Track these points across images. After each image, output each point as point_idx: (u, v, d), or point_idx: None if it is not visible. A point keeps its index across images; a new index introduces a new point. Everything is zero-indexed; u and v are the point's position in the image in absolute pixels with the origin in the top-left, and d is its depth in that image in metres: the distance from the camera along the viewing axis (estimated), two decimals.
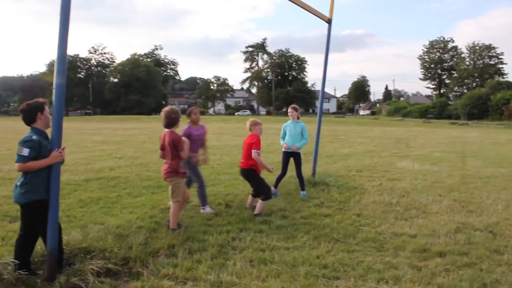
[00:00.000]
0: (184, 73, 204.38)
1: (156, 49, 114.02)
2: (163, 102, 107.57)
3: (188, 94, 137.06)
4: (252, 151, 6.78)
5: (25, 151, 4.01)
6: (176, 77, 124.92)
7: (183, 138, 5.84)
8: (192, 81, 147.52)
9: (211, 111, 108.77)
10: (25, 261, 4.21)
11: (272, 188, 8.51)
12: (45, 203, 4.12)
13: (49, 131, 4.25)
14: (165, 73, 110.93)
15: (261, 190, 6.91)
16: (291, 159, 8.53)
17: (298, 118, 8.61)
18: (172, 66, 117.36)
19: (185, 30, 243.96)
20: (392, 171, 12.09)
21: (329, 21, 9.82)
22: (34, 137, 4.09)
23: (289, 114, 8.62)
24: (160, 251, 4.98)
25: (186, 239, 5.49)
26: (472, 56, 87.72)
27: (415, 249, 5.32)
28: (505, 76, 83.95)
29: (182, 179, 5.85)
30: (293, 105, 8.84)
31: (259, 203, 6.88)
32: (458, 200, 8.24)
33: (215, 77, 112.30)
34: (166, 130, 5.85)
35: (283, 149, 8.55)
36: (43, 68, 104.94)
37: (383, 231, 6.10)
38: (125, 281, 4.20)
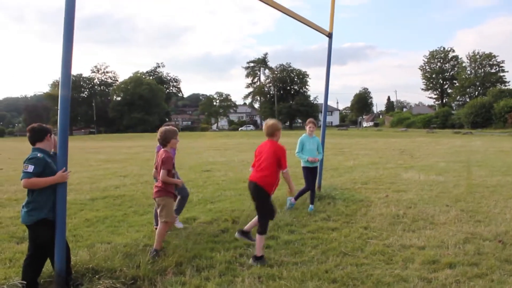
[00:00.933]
0: (186, 90, 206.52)
1: (158, 66, 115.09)
2: (167, 119, 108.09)
3: (191, 110, 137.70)
4: (282, 171, 5.55)
5: (30, 168, 4.09)
6: (178, 94, 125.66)
7: (170, 160, 5.66)
8: (195, 98, 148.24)
9: (214, 127, 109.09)
10: (32, 282, 4.21)
11: (292, 199, 8.48)
12: (51, 222, 4.15)
13: None
14: (167, 90, 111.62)
15: (264, 214, 5.60)
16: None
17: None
18: (175, 83, 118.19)
19: (186, 47, 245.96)
20: (397, 182, 12.04)
21: (329, 35, 9.89)
22: (39, 154, 4.16)
23: (309, 129, 8.58)
24: (168, 269, 4.95)
25: (193, 256, 5.47)
26: (473, 65, 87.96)
27: (424, 261, 5.28)
28: (507, 84, 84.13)
29: (171, 199, 5.78)
30: (312, 120, 8.82)
31: (257, 239, 5.43)
32: (466, 210, 8.18)
33: (217, 93, 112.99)
34: (162, 148, 5.84)
35: (305, 163, 8.55)
36: (46, 88, 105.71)
37: (391, 243, 6.06)
38: None
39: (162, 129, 5.86)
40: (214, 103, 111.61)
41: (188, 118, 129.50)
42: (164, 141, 5.76)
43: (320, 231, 6.77)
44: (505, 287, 4.47)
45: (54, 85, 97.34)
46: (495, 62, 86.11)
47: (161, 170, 5.60)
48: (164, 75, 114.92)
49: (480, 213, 7.94)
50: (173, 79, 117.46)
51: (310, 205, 8.42)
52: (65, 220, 4.18)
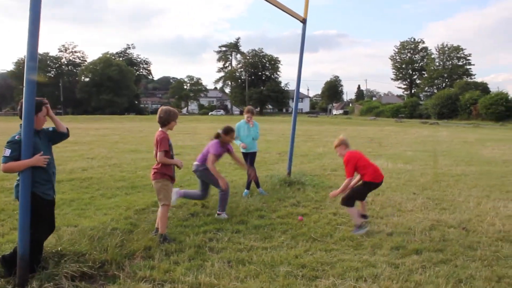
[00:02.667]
0: (157, 73, 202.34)
1: (129, 48, 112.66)
2: (136, 102, 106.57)
3: (161, 93, 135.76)
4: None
5: (7, 152, 3.99)
6: (149, 77, 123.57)
7: (165, 140, 5.53)
8: (165, 81, 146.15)
9: (184, 111, 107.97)
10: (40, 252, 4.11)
11: (245, 190, 8.53)
12: (38, 196, 4.01)
13: None
14: (137, 72, 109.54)
15: None
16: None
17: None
18: (145, 66, 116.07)
19: (157, 29, 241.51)
20: None
21: (303, 21, 9.83)
22: (17, 137, 3.99)
23: (247, 118, 8.68)
24: (136, 253, 4.87)
25: (162, 238, 5.40)
26: (441, 57, 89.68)
27: (392, 247, 5.37)
28: (473, 77, 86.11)
29: (169, 182, 5.65)
30: (250, 109, 8.97)
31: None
32: (432, 198, 8.37)
33: (188, 76, 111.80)
34: (159, 129, 5.68)
35: (241, 150, 8.62)
36: (10, 67, 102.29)
37: None
38: (100, 284, 4.09)
39: (166, 108, 5.69)
40: (185, 87, 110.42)
41: (158, 101, 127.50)
42: (166, 121, 5.58)
43: (289, 217, 6.80)
44: (468, 271, 4.58)
45: (19, 63, 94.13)
46: (462, 55, 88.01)
47: (158, 152, 5.47)
48: (134, 57, 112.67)
49: (446, 201, 8.13)
50: (144, 61, 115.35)
51: (259, 189, 8.61)
52: (29, 201, 4.01)
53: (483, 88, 69.15)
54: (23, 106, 3.96)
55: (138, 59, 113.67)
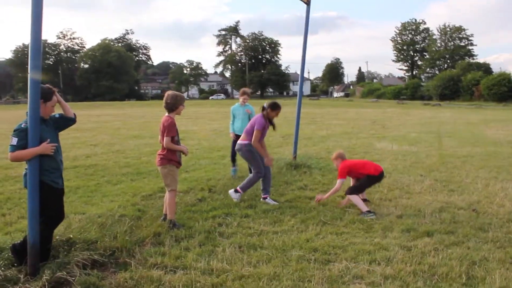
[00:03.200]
0: (156, 58, 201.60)
1: (127, 33, 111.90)
2: (136, 88, 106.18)
3: (161, 79, 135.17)
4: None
5: (14, 140, 3.91)
6: (148, 62, 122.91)
7: (173, 126, 5.43)
8: (165, 66, 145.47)
9: (184, 95, 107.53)
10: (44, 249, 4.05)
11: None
12: (46, 185, 3.95)
13: None
14: (137, 58, 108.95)
15: None
16: None
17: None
18: (144, 51, 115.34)
19: (156, 13, 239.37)
20: (371, 152, 12.15)
21: (308, 2, 9.68)
22: (24, 125, 3.91)
23: (243, 100, 8.62)
24: (146, 240, 4.83)
25: (172, 224, 5.36)
26: (443, 37, 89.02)
27: (403, 230, 5.32)
28: (475, 57, 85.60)
29: (175, 167, 5.56)
30: (246, 91, 8.88)
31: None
32: (439, 180, 8.31)
33: (188, 61, 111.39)
34: (165, 114, 5.58)
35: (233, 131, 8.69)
36: (9, 55, 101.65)
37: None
38: (112, 272, 4.04)
39: (172, 93, 5.57)
40: (185, 72, 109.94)
41: (158, 86, 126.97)
42: (173, 106, 5.48)
43: (298, 200, 6.76)
44: (480, 253, 4.53)
45: (17, 51, 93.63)
46: (464, 36, 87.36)
47: (165, 137, 5.38)
48: (134, 42, 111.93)
49: (453, 183, 8.08)
50: (143, 46, 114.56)
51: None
52: (37, 189, 3.94)
53: (485, 69, 68.70)
54: (29, 92, 3.88)
55: (138, 45, 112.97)
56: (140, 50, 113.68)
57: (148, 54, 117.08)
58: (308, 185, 7.80)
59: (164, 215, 5.65)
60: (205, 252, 4.53)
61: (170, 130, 5.37)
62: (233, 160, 8.79)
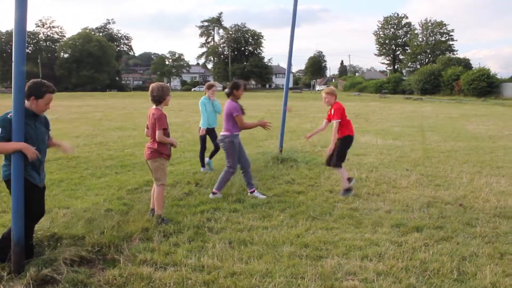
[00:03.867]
0: (138, 49, 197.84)
1: (109, 23, 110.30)
2: (117, 78, 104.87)
3: (142, 69, 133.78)
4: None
5: None
6: (130, 53, 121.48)
7: (163, 118, 5.33)
8: (147, 57, 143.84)
9: None
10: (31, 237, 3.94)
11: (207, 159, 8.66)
12: (25, 181, 3.81)
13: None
14: (118, 48, 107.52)
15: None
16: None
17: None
18: (126, 41, 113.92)
19: (138, 2, 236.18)
20: (356, 146, 12.08)
21: None
22: (10, 115, 3.72)
23: (212, 93, 8.57)
24: (134, 235, 4.72)
25: (159, 219, 5.26)
26: (424, 32, 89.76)
27: (392, 225, 5.32)
28: (455, 53, 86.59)
29: (165, 161, 5.47)
30: (213, 83, 9.03)
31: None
32: (425, 174, 8.36)
33: (170, 52, 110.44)
34: (152, 107, 5.44)
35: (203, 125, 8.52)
36: None
37: (357, 207, 6.09)
38: (100, 269, 3.93)
39: (157, 85, 5.44)
40: (167, 63, 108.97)
41: (139, 77, 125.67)
42: (161, 98, 5.36)
43: (286, 195, 6.72)
44: (470, 249, 4.55)
45: None
46: (445, 31, 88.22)
47: (157, 130, 5.24)
48: (115, 32, 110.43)
49: (439, 177, 8.13)
50: (124, 36, 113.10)
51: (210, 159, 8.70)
52: (22, 185, 3.81)
53: (465, 64, 69.48)
54: (13, 85, 3.72)
55: (119, 35, 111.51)
56: (121, 40, 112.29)
57: (129, 44, 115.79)
58: (296, 179, 7.76)
59: (152, 210, 5.54)
60: (195, 248, 4.46)
61: (162, 122, 5.26)
62: (202, 159, 8.64)
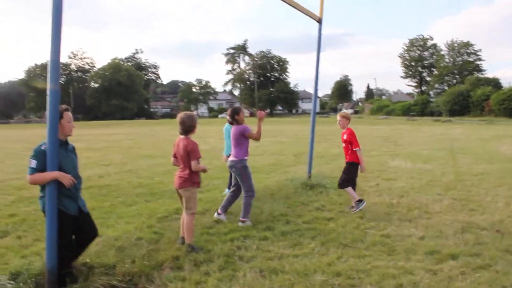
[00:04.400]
0: (165, 77, 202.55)
1: (137, 52, 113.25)
2: (145, 106, 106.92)
3: (170, 97, 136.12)
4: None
5: (33, 163, 3.89)
6: (157, 81, 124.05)
7: (197, 148, 5.39)
8: (174, 84, 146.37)
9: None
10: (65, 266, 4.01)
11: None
12: (59, 211, 3.90)
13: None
14: (146, 77, 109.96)
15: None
16: None
17: None
18: (154, 70, 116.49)
19: (165, 33, 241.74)
20: (386, 170, 12.01)
21: (319, 20, 9.70)
22: (43, 147, 3.87)
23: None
24: (165, 264, 4.73)
25: (189, 248, 5.26)
26: (451, 53, 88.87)
27: (426, 252, 5.18)
28: (483, 72, 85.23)
29: (196, 189, 5.49)
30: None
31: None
32: (458, 199, 8.16)
33: (197, 79, 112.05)
34: (181, 136, 5.52)
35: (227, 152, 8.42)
36: (21, 75, 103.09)
37: (389, 233, 5.96)
38: None
39: (187, 114, 5.53)
40: (194, 90, 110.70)
41: (167, 105, 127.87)
42: (191, 127, 5.44)
43: (316, 222, 6.63)
44: (510, 278, 4.38)
45: (29, 71, 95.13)
46: (472, 51, 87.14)
47: (192, 161, 5.29)
48: (143, 61, 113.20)
49: (473, 202, 7.92)
50: (152, 65, 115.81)
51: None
52: (56, 214, 3.91)
53: (495, 83, 68.22)
54: (47, 115, 3.87)
55: (147, 64, 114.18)
56: (149, 69, 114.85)
57: (157, 73, 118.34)
58: (326, 205, 7.68)
59: (182, 238, 5.55)
60: (226, 277, 4.43)
61: (197, 151, 5.32)
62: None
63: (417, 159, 14.46)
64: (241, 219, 6.55)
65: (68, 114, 4.15)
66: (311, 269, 4.64)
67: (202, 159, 5.50)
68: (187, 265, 4.73)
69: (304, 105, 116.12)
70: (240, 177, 6.68)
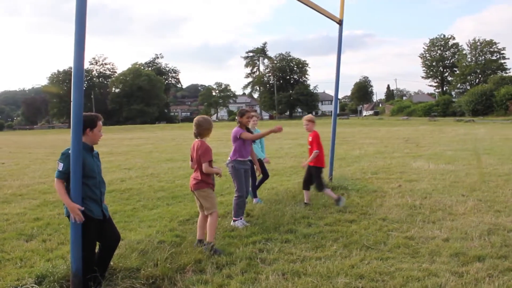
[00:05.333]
0: (185, 81, 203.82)
1: (157, 57, 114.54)
2: (166, 111, 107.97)
3: (190, 101, 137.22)
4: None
5: (60, 166, 3.97)
6: (178, 85, 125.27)
7: (210, 150, 5.46)
8: (194, 88, 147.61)
9: (214, 117, 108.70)
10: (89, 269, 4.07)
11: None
12: (84, 214, 3.96)
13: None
14: (166, 81, 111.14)
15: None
16: None
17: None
18: (173, 74, 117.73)
19: (184, 37, 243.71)
20: (408, 172, 11.85)
21: (340, 22, 9.64)
22: (70, 151, 3.93)
23: (253, 122, 8.10)
24: (187, 267, 4.74)
25: (210, 251, 5.27)
26: (473, 52, 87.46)
27: (451, 254, 5.08)
28: (508, 71, 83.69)
29: (212, 190, 5.55)
30: (255, 112, 8.49)
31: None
32: (483, 200, 7.99)
33: (216, 83, 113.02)
34: (196, 139, 5.58)
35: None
36: (44, 81, 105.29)
37: (413, 235, 5.87)
38: None
39: (203, 118, 5.64)
40: (214, 94, 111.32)
41: (187, 109, 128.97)
42: (207, 130, 5.56)
43: (338, 224, 6.58)
44: None
45: (52, 78, 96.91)
46: (495, 49, 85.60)
47: (203, 163, 5.37)
48: (163, 66, 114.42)
49: (498, 203, 7.74)
50: (172, 70, 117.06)
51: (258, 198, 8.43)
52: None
53: None
54: (71, 120, 3.93)
55: (167, 68, 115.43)
56: (169, 74, 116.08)
57: (177, 77, 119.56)
58: (347, 207, 7.61)
59: (198, 241, 5.58)
60: (248, 280, 4.42)
61: (208, 154, 5.37)
62: (253, 190, 8.41)
63: (440, 160, 14.23)
64: (233, 218, 6.69)
65: (100, 124, 4.22)
66: (334, 271, 4.59)
67: (222, 161, 5.53)
68: (209, 268, 4.74)
69: (324, 107, 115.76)
70: (232, 176, 6.95)
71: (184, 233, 6.20)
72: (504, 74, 78.24)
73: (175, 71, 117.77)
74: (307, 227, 6.38)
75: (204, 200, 5.49)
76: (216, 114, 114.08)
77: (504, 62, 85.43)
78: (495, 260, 4.87)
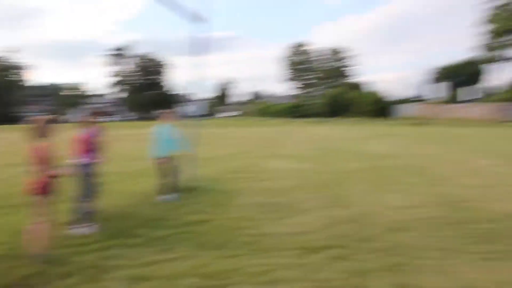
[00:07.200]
0: (40, 78, 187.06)
1: (8, 52, 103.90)
2: (16, 110, 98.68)
3: (46, 100, 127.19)
4: None
5: None
6: (30, 83, 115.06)
7: (51, 153, 5.04)
8: (50, 87, 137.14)
9: (73, 117, 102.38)
10: None
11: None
12: None
13: None
14: (17, 78, 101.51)
15: None
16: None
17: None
18: (23, 71, 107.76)
19: (41, 31, 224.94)
20: (265, 171, 12.23)
21: (204, 22, 9.73)
22: None
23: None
24: (21, 282, 4.27)
25: (47, 262, 4.81)
26: (329, 58, 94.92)
27: (297, 247, 5.37)
28: (354, 77, 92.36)
29: (53, 195, 5.09)
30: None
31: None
32: (328, 196, 8.56)
33: (75, 82, 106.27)
34: (39, 142, 5.05)
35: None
36: None
37: (264, 232, 6.07)
38: None
39: (43, 119, 5.19)
40: (72, 93, 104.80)
41: (41, 109, 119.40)
42: (49, 132, 5.16)
43: (190, 225, 6.50)
44: (366, 265, 4.80)
45: None
46: (348, 56, 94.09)
47: (44, 165, 5.00)
48: (14, 61, 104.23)
49: (342, 198, 8.37)
50: (24, 66, 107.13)
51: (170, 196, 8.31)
52: None
53: (364, 87, 74.59)
54: None
55: (18, 64, 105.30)
56: (21, 70, 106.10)
57: (30, 74, 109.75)
58: (202, 208, 7.55)
59: (32, 253, 5.06)
60: None
61: (51, 157, 4.97)
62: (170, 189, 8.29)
63: (295, 159, 14.96)
64: (77, 224, 6.27)
65: None
66: (181, 272, 4.53)
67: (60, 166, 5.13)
68: (46, 281, 4.32)
69: (188, 108, 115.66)
70: (76, 180, 6.54)
71: (18, 246, 5.57)
72: (355, 80, 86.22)
73: (28, 67, 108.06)
74: (158, 230, 6.19)
75: (43, 206, 5.01)
76: (73, 114, 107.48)
77: (356, 68, 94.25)
78: (336, 249, 5.28)
